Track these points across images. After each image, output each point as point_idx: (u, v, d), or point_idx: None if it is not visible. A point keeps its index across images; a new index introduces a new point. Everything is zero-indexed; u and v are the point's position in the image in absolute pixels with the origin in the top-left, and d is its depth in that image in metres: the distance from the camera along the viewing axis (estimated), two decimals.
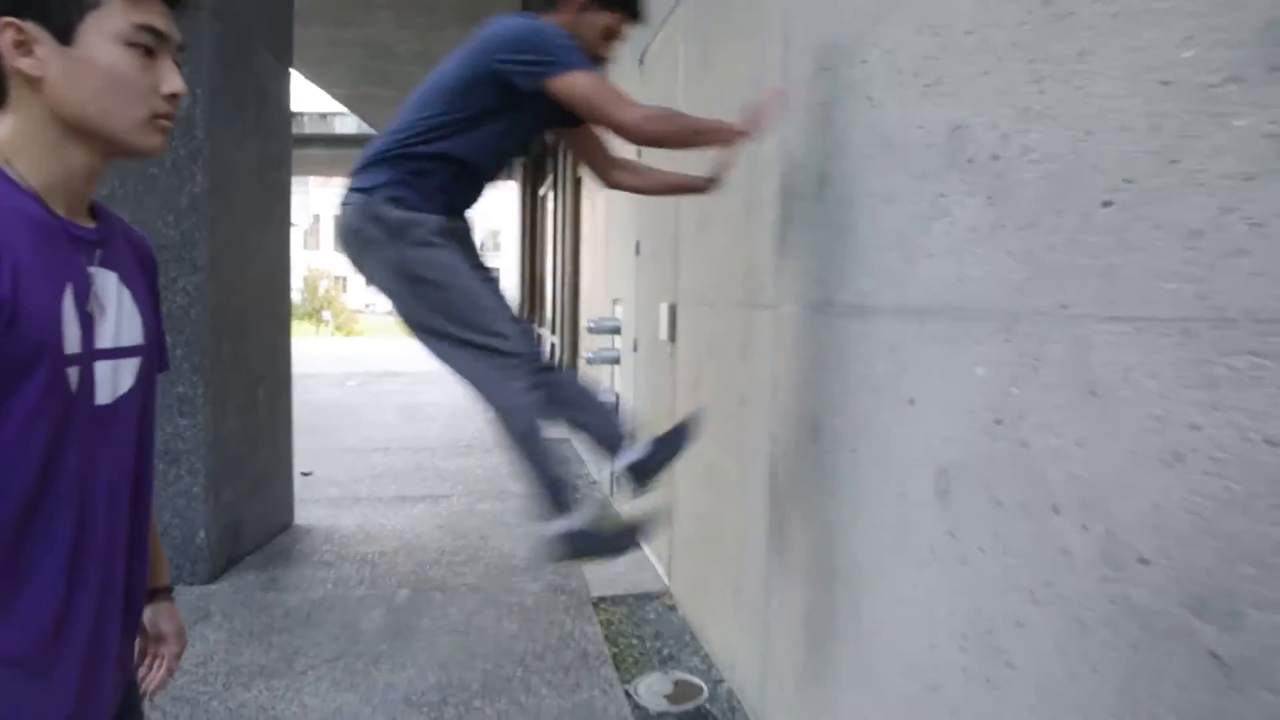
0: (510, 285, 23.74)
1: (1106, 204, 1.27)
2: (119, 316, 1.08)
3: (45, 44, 0.98)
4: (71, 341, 1.00)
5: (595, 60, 2.33)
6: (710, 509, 3.46)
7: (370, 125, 13.43)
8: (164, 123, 1.08)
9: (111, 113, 1.02)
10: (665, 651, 3.52)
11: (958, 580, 1.67)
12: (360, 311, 40.82)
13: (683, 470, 3.85)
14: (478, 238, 2.55)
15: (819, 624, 2.34)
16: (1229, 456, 1.07)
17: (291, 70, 5.09)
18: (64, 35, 0.98)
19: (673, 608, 3.97)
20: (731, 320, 3.12)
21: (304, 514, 5.24)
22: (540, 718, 2.88)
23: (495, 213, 45.78)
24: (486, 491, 6.10)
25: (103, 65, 1.00)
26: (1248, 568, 1.04)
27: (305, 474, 6.06)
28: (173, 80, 1.06)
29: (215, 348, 4.15)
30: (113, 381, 1.07)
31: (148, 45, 1.04)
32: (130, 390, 1.11)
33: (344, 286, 43.39)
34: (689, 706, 3.05)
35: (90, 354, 1.03)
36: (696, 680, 3.23)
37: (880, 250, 1.97)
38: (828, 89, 2.26)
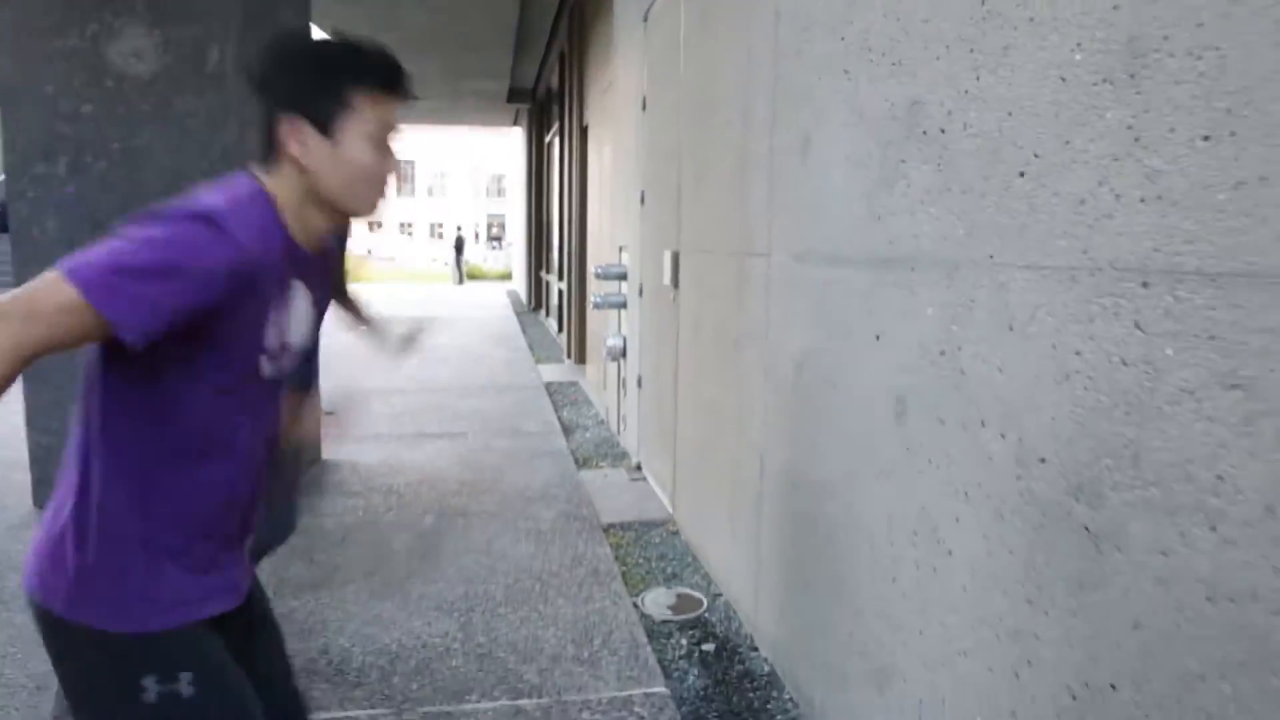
0: (517, 231, 23.79)
1: (1021, 174, 1.56)
2: (295, 323, 1.37)
3: (312, 137, 1.26)
4: (269, 338, 1.30)
5: None
6: (709, 441, 3.79)
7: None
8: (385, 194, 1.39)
9: (356, 196, 1.32)
10: (669, 570, 3.88)
11: (911, 488, 2.00)
12: (364, 258, 41.02)
13: (685, 406, 4.19)
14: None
15: (801, 538, 2.68)
16: (1099, 375, 1.38)
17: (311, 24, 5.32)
18: (327, 131, 1.26)
19: (676, 533, 4.33)
20: (728, 267, 3.41)
21: (331, 450, 5.60)
22: (558, 623, 3.25)
23: (501, 157, 45.72)
24: (500, 430, 6.45)
25: (356, 161, 1.28)
26: (1108, 460, 1.36)
27: (328, 414, 6.41)
28: (394, 164, 1.35)
29: None
30: (277, 366, 1.38)
31: (386, 140, 1.33)
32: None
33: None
34: (690, 616, 3.42)
35: (274, 350, 1.33)
36: (697, 594, 3.60)
37: (851, 207, 2.26)
38: (812, 60, 2.53)
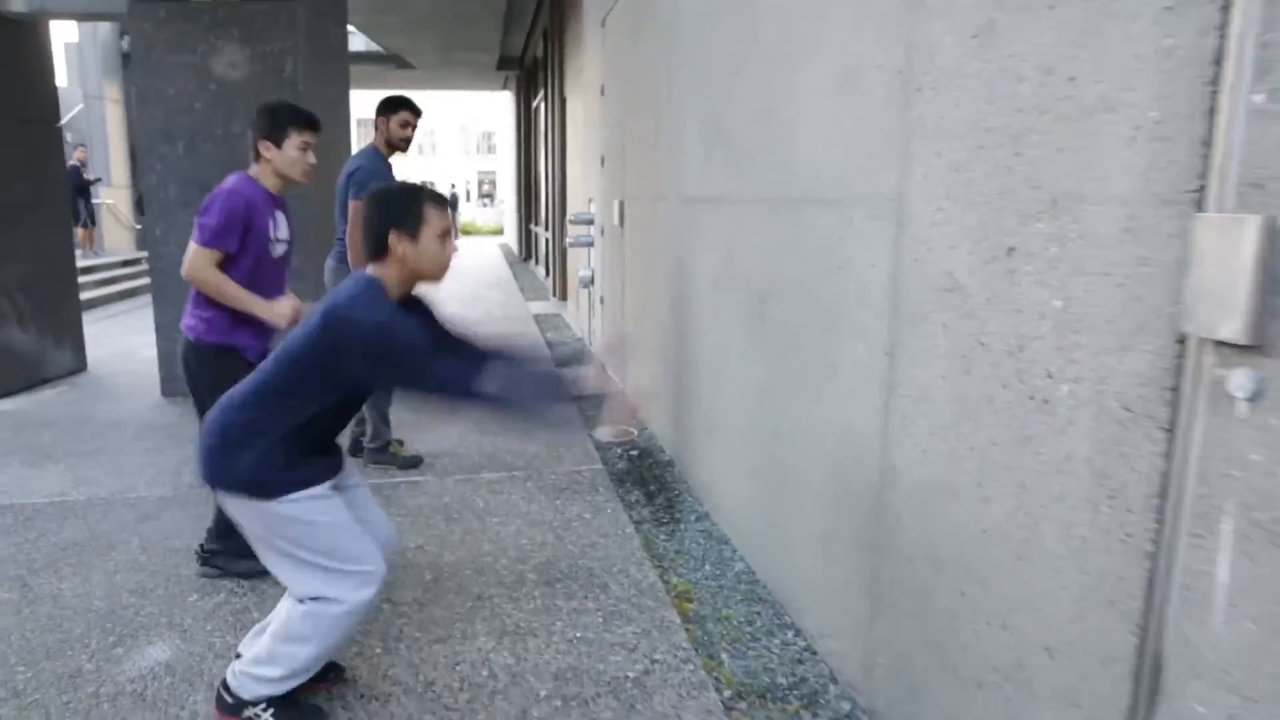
0: (508, 188, 25.06)
1: (749, 154, 3.29)
2: (281, 229, 3.14)
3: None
4: (270, 233, 3.07)
5: None
6: (643, 330, 5.55)
7: (376, 43, 15.05)
8: (309, 176, 3.12)
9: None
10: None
11: (715, 320, 3.75)
12: None
13: (629, 311, 5.94)
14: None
15: (682, 373, 4.45)
16: (775, 245, 3.13)
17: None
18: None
19: (623, 400, 6.12)
20: (648, 208, 5.15)
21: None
22: (538, 443, 5.04)
23: (491, 114, 46.91)
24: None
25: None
26: (770, 285, 3.12)
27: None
28: (312, 158, 3.10)
29: (314, 232, 6.18)
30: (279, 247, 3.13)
31: (309, 145, 3.08)
32: (286, 251, 3.18)
33: None
34: (625, 441, 5.21)
35: (274, 239, 3.10)
36: (632, 429, 5.39)
37: (696, 170, 3.99)
38: (682, 75, 4.23)
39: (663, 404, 4.98)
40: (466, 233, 31.11)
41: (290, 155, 3.13)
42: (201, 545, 3.33)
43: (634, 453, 4.96)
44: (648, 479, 4.51)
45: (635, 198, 5.61)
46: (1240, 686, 1.25)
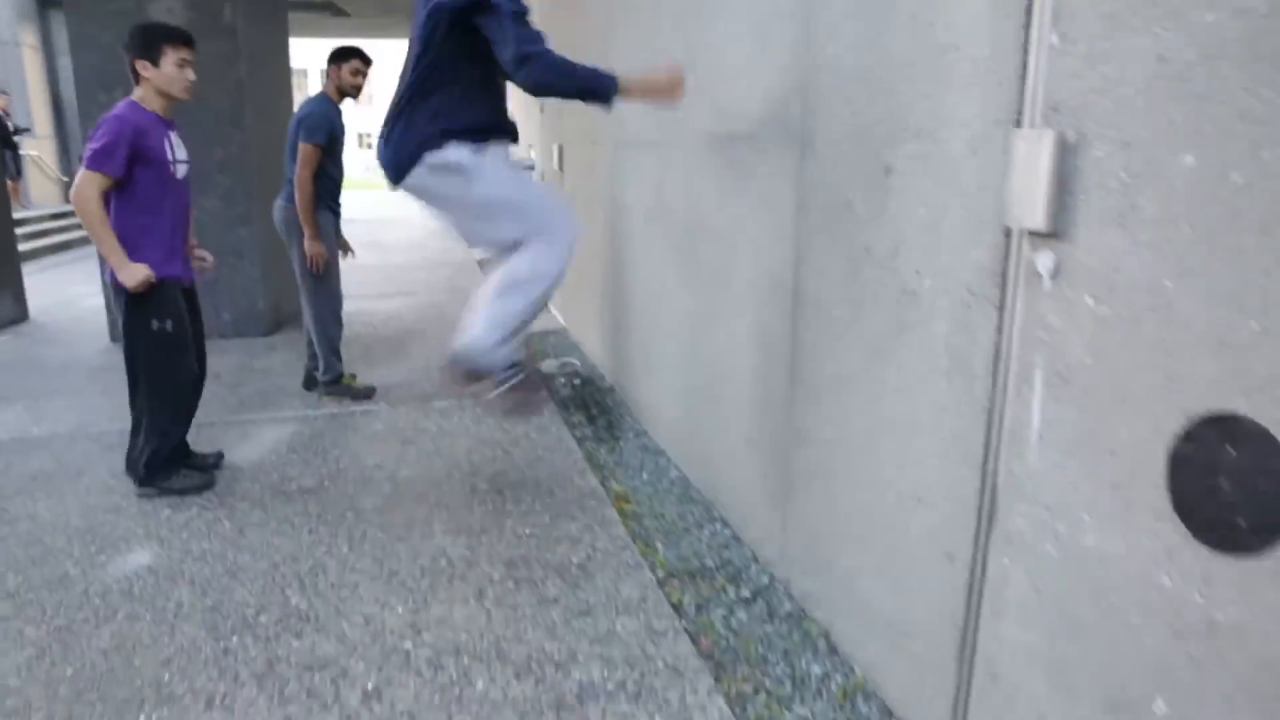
0: None
1: (678, 111, 3.56)
2: (178, 150, 3.35)
3: (150, 67, 3.22)
4: (169, 155, 3.29)
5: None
6: (583, 270, 5.82)
7: None
8: (190, 91, 3.34)
9: (174, 92, 3.28)
10: (559, 352, 5.96)
11: (649, 249, 4.04)
12: None
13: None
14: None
15: (616, 307, 4.74)
16: (692, 176, 3.42)
17: None
18: (156, 63, 3.22)
19: (566, 336, 6.40)
20: (586, 152, 5.38)
21: None
22: None
23: None
24: (441, 289, 8.42)
25: (173, 75, 3.25)
26: (698, 205, 3.41)
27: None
28: (191, 74, 3.31)
29: (259, 177, 6.29)
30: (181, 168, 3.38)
31: (186, 62, 3.28)
32: (188, 171, 3.42)
33: None
34: (569, 370, 5.51)
35: (174, 161, 3.32)
36: (575, 361, 5.69)
37: (632, 117, 4.25)
38: (623, 19, 4.46)
39: (602, 336, 5.28)
40: None
41: (168, 73, 3.27)
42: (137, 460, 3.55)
43: (577, 381, 5.27)
44: (590, 404, 4.83)
45: (573, 143, 5.84)
46: (1045, 500, 1.61)
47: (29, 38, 15.05)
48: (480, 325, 3.04)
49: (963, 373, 1.83)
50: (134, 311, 3.30)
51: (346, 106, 4.69)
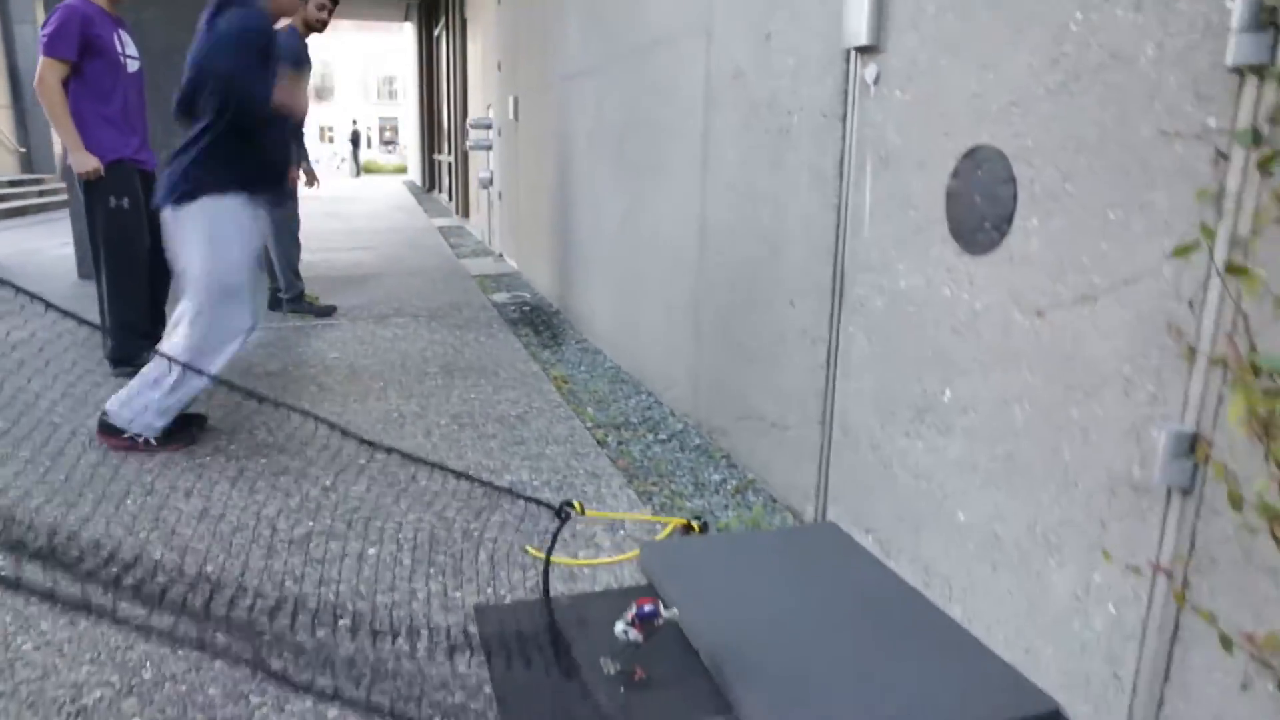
0: (410, 119, 24.95)
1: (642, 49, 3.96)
2: (128, 46, 3.68)
3: None
4: (118, 48, 3.61)
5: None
6: (535, 211, 6.20)
7: None
8: None
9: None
10: (510, 288, 6.33)
11: (590, 183, 4.44)
12: None
13: (523, 199, 6.57)
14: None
15: (568, 256, 5.12)
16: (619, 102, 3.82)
17: None
18: None
19: (518, 277, 6.77)
20: (540, 95, 5.77)
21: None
22: (448, 302, 5.66)
23: (392, 59, 46.01)
24: (401, 244, 8.74)
25: None
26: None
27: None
28: None
29: None
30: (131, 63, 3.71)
31: None
32: (139, 68, 3.75)
33: None
34: (519, 300, 5.88)
35: (124, 55, 3.65)
36: (525, 295, 6.06)
37: (573, 53, 4.64)
38: None
39: (550, 266, 5.66)
40: (369, 170, 30.89)
41: None
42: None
43: (526, 307, 5.64)
44: (537, 323, 5.21)
45: (527, 90, 6.22)
46: (875, 265, 2.03)
47: None
48: (122, 397, 2.89)
49: (820, 182, 2.25)
50: (92, 189, 3.63)
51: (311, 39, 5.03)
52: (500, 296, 6.02)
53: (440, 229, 10.68)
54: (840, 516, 2.24)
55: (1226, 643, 1.24)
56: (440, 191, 16.30)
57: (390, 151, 45.91)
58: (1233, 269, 1.09)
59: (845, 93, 2.11)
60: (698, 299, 3.10)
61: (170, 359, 2.78)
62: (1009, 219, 1.58)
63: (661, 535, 2.36)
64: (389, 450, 1.74)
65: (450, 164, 13.76)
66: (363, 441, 1.70)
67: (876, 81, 1.97)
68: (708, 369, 3.07)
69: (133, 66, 3.73)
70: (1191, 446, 1.26)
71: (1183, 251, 1.10)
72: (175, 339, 2.85)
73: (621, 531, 2.37)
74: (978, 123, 1.66)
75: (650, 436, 3.20)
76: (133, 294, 3.83)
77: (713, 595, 1.88)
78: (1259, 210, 1.11)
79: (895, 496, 1.99)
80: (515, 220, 7.04)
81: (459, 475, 2.08)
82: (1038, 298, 1.53)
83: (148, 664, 1.73)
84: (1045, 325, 1.51)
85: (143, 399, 2.84)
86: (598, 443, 3.09)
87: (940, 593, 1.85)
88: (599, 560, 2.19)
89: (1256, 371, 1.14)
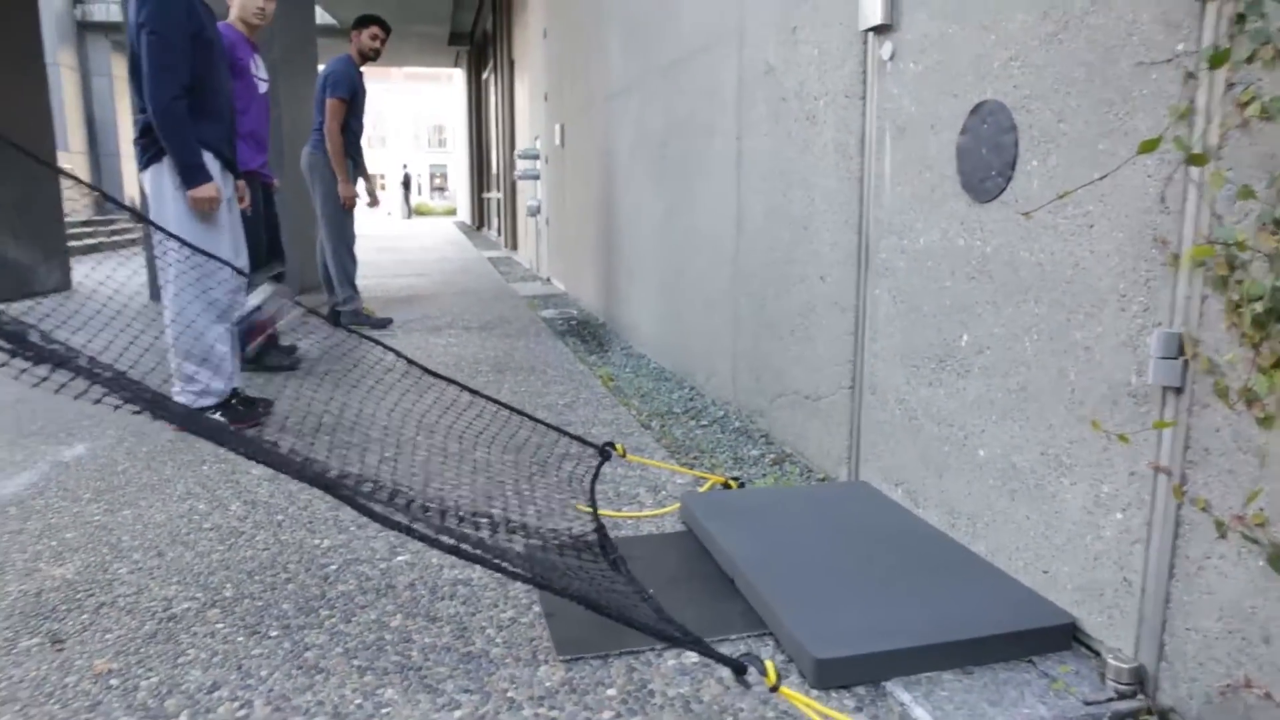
0: (460, 164, 25.62)
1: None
2: (259, 70, 3.96)
3: None
4: (254, 73, 3.90)
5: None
6: (581, 232, 6.42)
7: (331, 15, 15.74)
8: (264, 17, 3.94)
9: (250, 17, 3.88)
10: (558, 306, 6.54)
11: (659, 235, 4.64)
12: None
13: (569, 222, 6.81)
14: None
15: (613, 268, 5.32)
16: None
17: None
18: None
19: (565, 295, 6.99)
20: (585, 116, 6.02)
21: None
22: (494, 311, 5.88)
23: (441, 107, 47.37)
24: (453, 271, 9.04)
25: (247, 3, 3.86)
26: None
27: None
28: (261, 3, 3.93)
29: (288, 144, 6.94)
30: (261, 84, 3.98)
31: None
32: (267, 89, 4.02)
33: None
34: (566, 315, 6.08)
35: (256, 77, 3.93)
36: (574, 311, 6.26)
37: (614, 73, 4.87)
38: (609, 14, 5.11)
39: (595, 282, 5.86)
40: (420, 213, 31.74)
41: (246, 3, 3.90)
42: None
43: (573, 320, 5.84)
44: (583, 333, 5.39)
45: (572, 116, 6.49)
46: (896, 228, 2.16)
47: (67, 59, 15.99)
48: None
49: (844, 157, 2.40)
50: None
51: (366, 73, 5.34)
52: (548, 312, 6.22)
53: (489, 259, 11.01)
54: (871, 475, 2.36)
55: (1220, 527, 1.34)
56: (489, 228, 16.74)
57: (439, 197, 47.06)
58: (1192, 159, 1.22)
59: (864, 73, 2.26)
60: (735, 289, 3.25)
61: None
62: (1013, 164, 1.71)
63: (702, 490, 2.49)
64: (450, 381, 1.90)
65: (499, 200, 14.18)
66: (426, 371, 1.87)
67: (891, 58, 2.12)
68: (745, 355, 3.21)
69: (262, 88, 4.04)
70: (1180, 348, 1.37)
71: (1149, 146, 1.23)
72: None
73: (663, 492, 2.51)
74: (981, 80, 1.80)
75: (692, 422, 3.33)
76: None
77: (748, 535, 2.00)
78: (1224, 120, 1.24)
79: (921, 446, 2.10)
80: (562, 243, 7.28)
81: (513, 410, 2.24)
82: (1041, 232, 1.65)
83: (228, 585, 1.91)
84: (1048, 256, 1.64)
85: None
86: (642, 425, 3.23)
87: (965, 532, 1.95)
88: (642, 514, 2.33)
89: (1231, 267, 1.26)
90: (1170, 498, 1.42)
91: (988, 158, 1.78)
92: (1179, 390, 1.38)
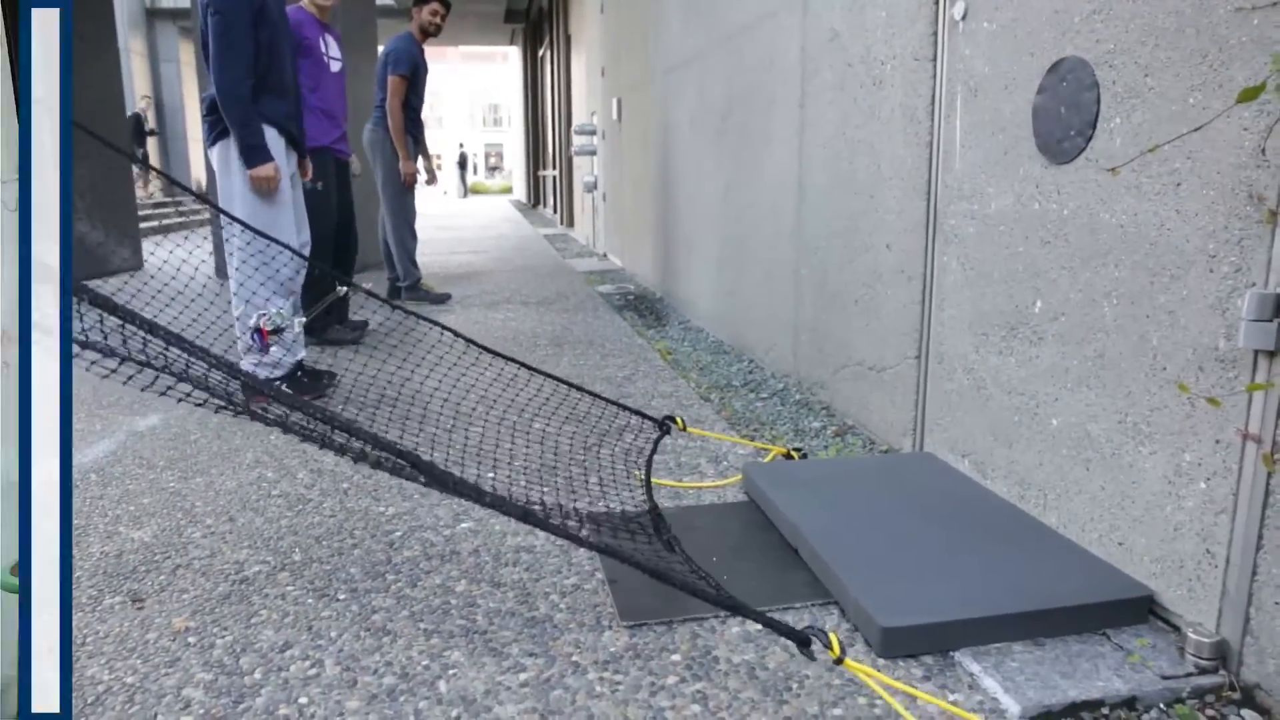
0: (515, 143, 25.78)
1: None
2: (331, 49, 3.98)
3: None
4: (324, 51, 3.92)
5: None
6: (640, 208, 6.40)
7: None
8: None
9: (324, 5, 3.91)
10: (616, 281, 6.54)
11: (715, 213, 4.59)
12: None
13: (626, 197, 6.79)
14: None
15: (671, 242, 5.29)
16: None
17: None
18: None
19: (622, 271, 6.98)
20: (641, 91, 5.98)
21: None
22: (551, 287, 5.90)
23: (496, 86, 47.64)
24: (510, 248, 9.10)
25: None
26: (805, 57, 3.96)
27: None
28: None
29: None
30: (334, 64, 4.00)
31: None
32: (341, 69, 4.04)
33: None
34: (623, 291, 6.08)
35: (328, 56, 3.95)
36: (631, 286, 6.26)
37: (674, 48, 4.82)
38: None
39: (653, 257, 5.84)
40: (476, 191, 32.05)
41: None
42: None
43: (630, 296, 5.83)
44: (641, 308, 5.39)
45: (630, 90, 6.45)
46: (966, 193, 2.10)
47: (137, 45, 16.39)
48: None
49: (913, 122, 2.33)
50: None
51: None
52: (605, 288, 6.22)
53: (545, 236, 11.05)
54: (937, 447, 2.31)
55: None
56: (545, 206, 16.80)
57: (495, 176, 47.38)
58: None
59: (934, 34, 2.20)
60: (797, 261, 3.21)
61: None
62: (1093, 123, 1.65)
63: (764, 461, 2.47)
64: (507, 358, 1.90)
65: (554, 177, 14.20)
66: (483, 349, 1.87)
67: (964, 17, 2.05)
68: (807, 326, 3.16)
69: (335, 67, 4.11)
70: (1276, 309, 1.31)
71: (1250, 94, 1.16)
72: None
73: (724, 463, 2.49)
74: (1061, 37, 1.73)
75: (752, 395, 3.31)
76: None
77: (812, 505, 1.98)
78: None
79: (989, 416, 2.05)
80: (618, 218, 7.26)
81: (572, 386, 2.25)
82: (1123, 193, 1.59)
83: (297, 549, 1.95)
84: (1130, 218, 1.57)
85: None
86: (701, 398, 3.22)
87: (1035, 504, 1.90)
88: (704, 484, 2.32)
89: None
90: (1259, 466, 1.36)
91: (1066, 117, 1.72)
92: (1272, 353, 1.32)
